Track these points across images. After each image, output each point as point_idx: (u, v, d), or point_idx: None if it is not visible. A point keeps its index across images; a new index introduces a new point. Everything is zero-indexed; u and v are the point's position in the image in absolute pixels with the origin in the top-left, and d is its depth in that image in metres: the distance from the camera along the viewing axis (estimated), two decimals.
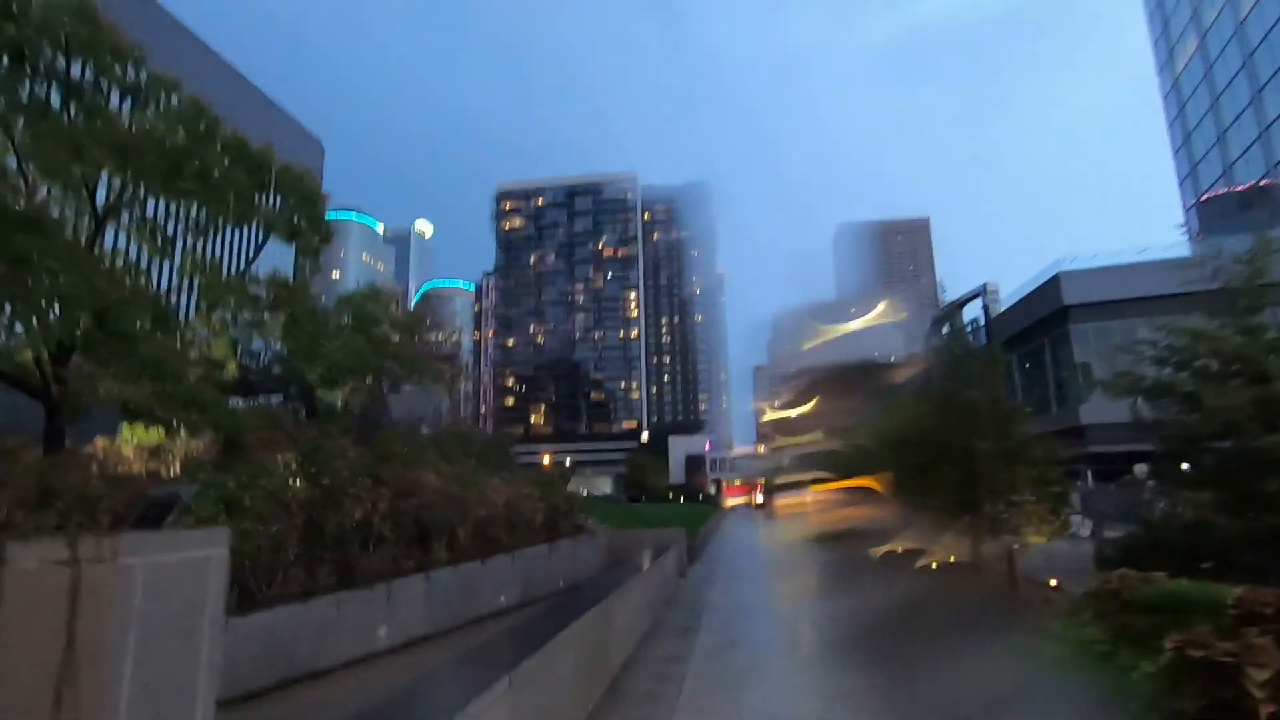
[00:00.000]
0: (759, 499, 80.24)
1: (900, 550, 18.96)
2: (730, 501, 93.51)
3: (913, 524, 17.72)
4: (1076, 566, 13.34)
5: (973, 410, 13.56)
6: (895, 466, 17.27)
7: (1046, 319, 36.91)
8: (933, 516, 14.81)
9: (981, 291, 63.26)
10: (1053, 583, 11.73)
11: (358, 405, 15.30)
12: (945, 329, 21.71)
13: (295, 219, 12.07)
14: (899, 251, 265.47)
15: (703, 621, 10.39)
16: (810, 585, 14.89)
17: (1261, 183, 48.94)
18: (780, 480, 59.63)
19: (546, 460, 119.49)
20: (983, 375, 13.83)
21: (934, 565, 15.65)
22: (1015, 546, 12.70)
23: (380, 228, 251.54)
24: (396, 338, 15.00)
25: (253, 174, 10.87)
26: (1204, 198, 58.10)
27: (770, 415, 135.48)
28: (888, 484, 20.01)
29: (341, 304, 14.11)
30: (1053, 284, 49.52)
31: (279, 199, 11.57)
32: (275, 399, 18.44)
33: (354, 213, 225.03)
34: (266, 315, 11.19)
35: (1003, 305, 65.11)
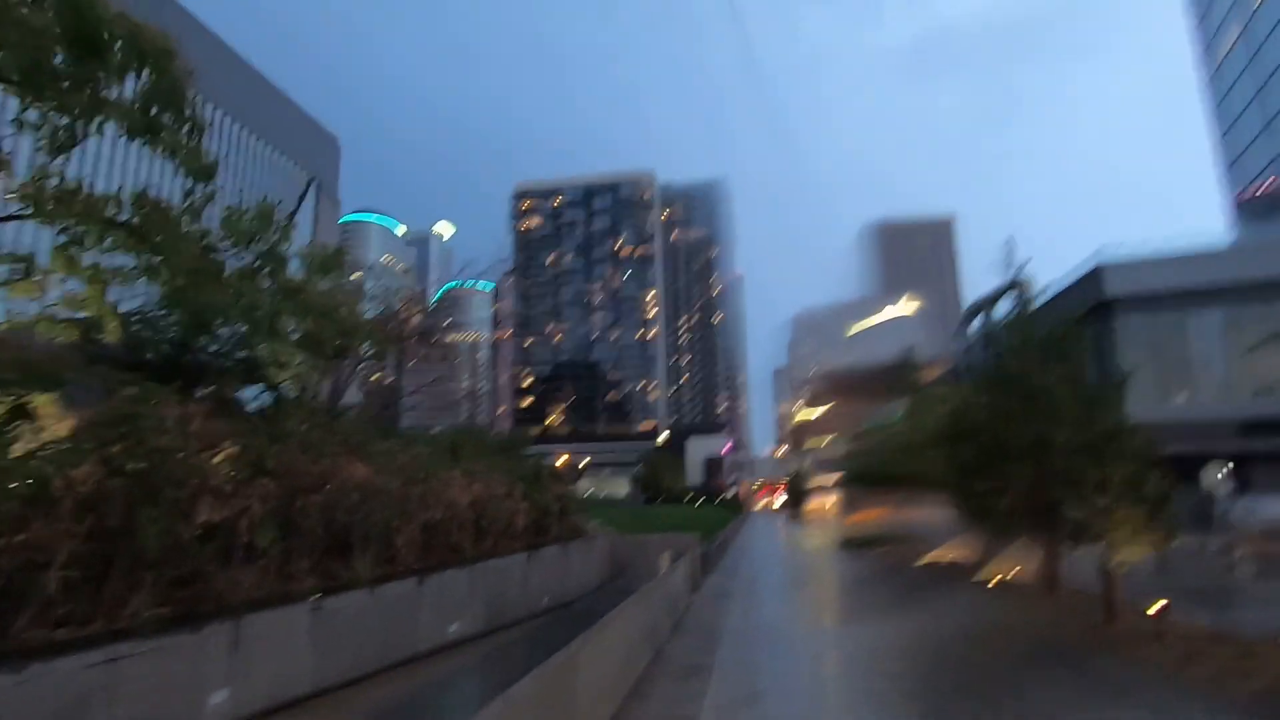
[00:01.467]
0: (782, 502, 77.55)
1: (948, 560, 16.49)
2: (758, 504, 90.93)
3: (960, 529, 15.27)
4: (1177, 585, 10.83)
5: (1046, 394, 11.12)
6: (942, 464, 14.83)
7: (1087, 313, 34.19)
8: (991, 522, 12.34)
9: (1012, 286, 60.34)
10: (1153, 610, 9.25)
11: (316, 388, 13.18)
12: (983, 316, 19.21)
13: (149, 105, 8.11)
14: (922, 251, 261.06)
15: (716, 657, 8.14)
16: (846, 604, 12.49)
17: None
18: (807, 483, 56.93)
19: (562, 460, 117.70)
20: (1059, 352, 11.37)
21: (994, 581, 13.20)
22: (1113, 564, 10.25)
23: (400, 229, 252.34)
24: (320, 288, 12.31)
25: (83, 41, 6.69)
26: (1252, 193, 54.75)
27: (798, 417, 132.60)
28: (931, 484, 17.57)
29: (225, 227, 11.02)
30: (1094, 276, 46.60)
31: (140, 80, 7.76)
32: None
33: (374, 214, 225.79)
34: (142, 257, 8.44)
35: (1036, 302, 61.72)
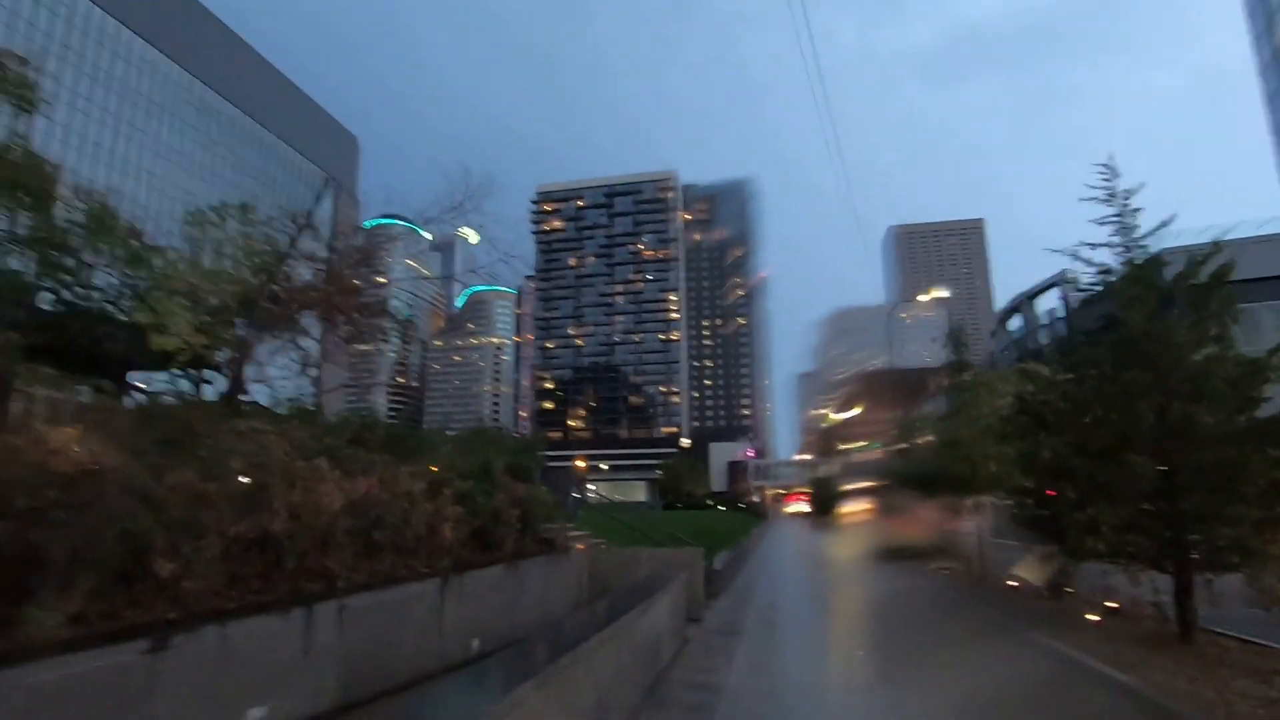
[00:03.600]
0: (808, 508, 73.85)
1: (1021, 582, 13.22)
2: (788, 509, 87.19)
3: (1032, 543, 12.05)
4: None
5: (1184, 361, 7.94)
6: (1006, 463, 11.61)
7: (1094, 330, 30.63)
8: (1079, 538, 9.03)
9: (1059, 279, 56.06)
10: None
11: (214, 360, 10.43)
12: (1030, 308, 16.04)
13: None
14: (952, 254, 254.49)
15: None
16: (899, 648, 9.28)
17: None
18: (835, 488, 53.30)
19: (580, 465, 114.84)
20: (1205, 306, 8.11)
21: (1096, 617, 9.95)
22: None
23: (428, 235, 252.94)
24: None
25: None
26: None
27: (828, 420, 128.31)
28: (986, 487, 14.29)
29: None
30: (1153, 264, 42.62)
31: None
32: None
33: (399, 220, 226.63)
34: None
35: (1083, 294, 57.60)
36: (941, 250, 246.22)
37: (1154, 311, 8.47)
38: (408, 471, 7.68)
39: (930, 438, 17.91)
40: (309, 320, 13.32)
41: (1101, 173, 9.28)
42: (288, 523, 5.42)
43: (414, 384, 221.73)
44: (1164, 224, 9.03)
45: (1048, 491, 9.50)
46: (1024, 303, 60.48)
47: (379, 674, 5.67)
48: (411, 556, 7.28)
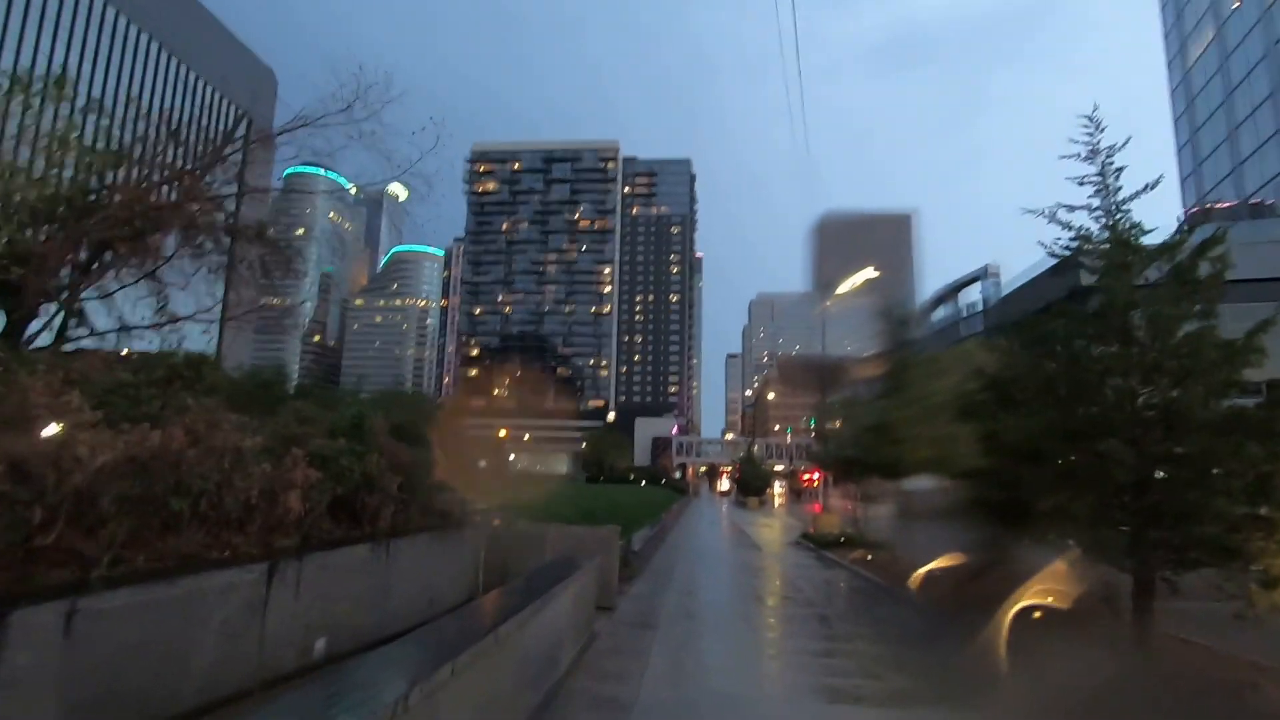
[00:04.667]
0: (730, 487, 74.32)
1: (946, 570, 12.52)
2: (705, 488, 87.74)
3: (972, 534, 11.32)
4: None
5: (1168, 340, 7.06)
6: (956, 446, 10.76)
7: (1061, 300, 31.32)
8: (1043, 528, 8.17)
9: (983, 274, 57.58)
10: None
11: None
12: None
13: None
14: (881, 245, 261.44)
15: None
16: (833, 649, 8.20)
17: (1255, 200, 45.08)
18: (758, 470, 53.38)
19: (502, 434, 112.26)
20: (1190, 282, 7.19)
21: (1030, 608, 9.17)
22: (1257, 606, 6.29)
23: (351, 188, 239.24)
24: None
25: None
26: (1198, 208, 53.70)
27: (753, 402, 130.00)
28: (922, 470, 13.54)
29: None
30: (1071, 261, 44.03)
31: None
32: None
33: (322, 169, 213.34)
34: None
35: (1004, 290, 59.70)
36: (871, 240, 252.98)
37: (1134, 281, 7.55)
38: (234, 423, 5.90)
39: (856, 421, 17.16)
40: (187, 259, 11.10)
41: (1084, 127, 8.27)
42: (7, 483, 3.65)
43: (331, 344, 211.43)
44: (1149, 186, 8.12)
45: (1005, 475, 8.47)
46: (949, 294, 62.10)
47: (140, 702, 3.98)
48: (237, 531, 5.55)
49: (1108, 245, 7.86)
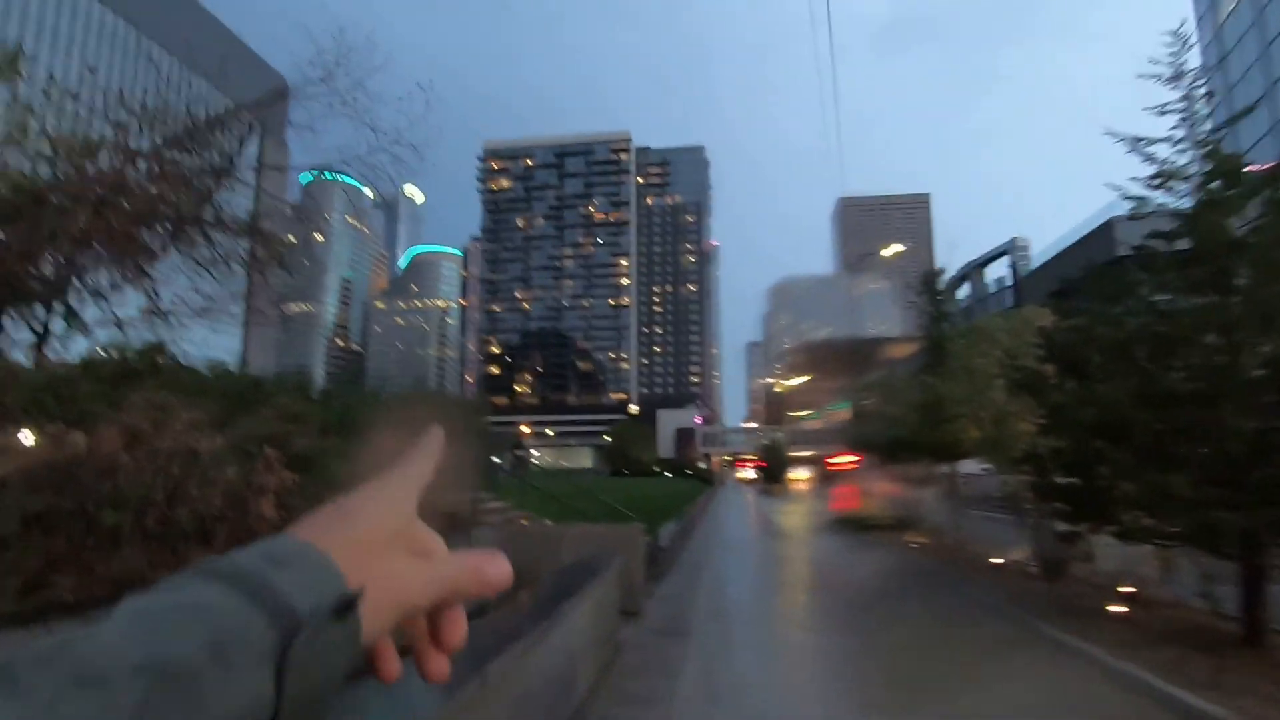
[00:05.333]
0: (756, 475, 73.24)
1: (1009, 561, 11.49)
2: (731, 477, 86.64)
3: (1032, 512, 10.28)
4: None
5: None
6: (1018, 426, 9.67)
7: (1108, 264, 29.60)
8: (1142, 508, 7.04)
9: (1010, 248, 55.61)
10: None
11: None
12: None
13: None
14: (898, 227, 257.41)
15: None
16: (896, 657, 7.16)
17: None
18: (784, 456, 52.24)
19: (525, 431, 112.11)
20: None
21: (1123, 608, 8.13)
22: None
23: (369, 192, 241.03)
24: None
25: None
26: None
27: (776, 389, 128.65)
28: (961, 453, 12.47)
29: None
30: (1104, 230, 42.08)
31: None
32: None
33: (339, 174, 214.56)
34: None
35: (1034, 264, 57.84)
36: (889, 223, 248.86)
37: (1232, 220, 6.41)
38: (186, 420, 5.09)
39: (897, 400, 16.09)
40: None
41: (1168, 45, 7.14)
42: None
43: (355, 347, 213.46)
44: (1248, 110, 6.99)
45: (1089, 454, 7.32)
46: (973, 271, 60.12)
47: None
48: (201, 546, 4.76)
49: (1198, 176, 6.72)
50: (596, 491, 17.93)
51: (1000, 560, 11.55)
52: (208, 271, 11.05)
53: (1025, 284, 47.11)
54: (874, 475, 19.66)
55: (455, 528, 8.58)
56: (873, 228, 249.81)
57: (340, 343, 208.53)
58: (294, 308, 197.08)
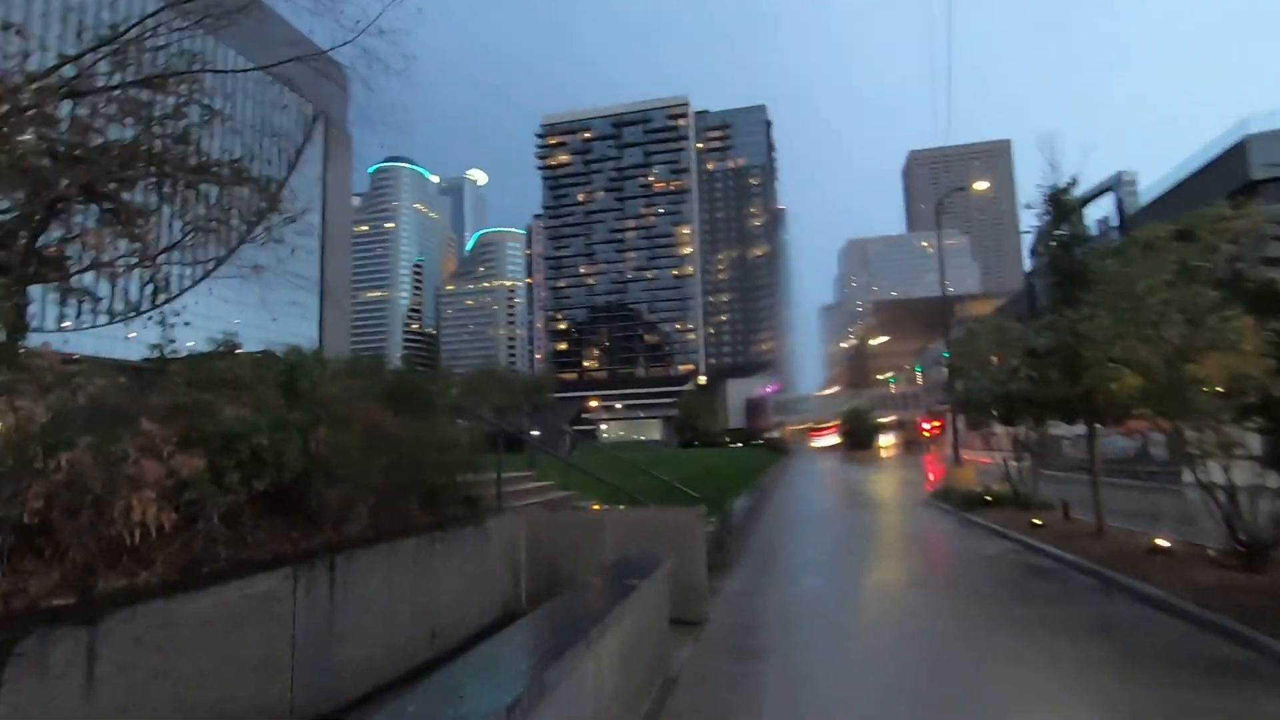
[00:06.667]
0: (835, 442, 70.04)
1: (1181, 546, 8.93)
2: (816, 444, 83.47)
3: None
4: None
5: None
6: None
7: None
8: None
9: (1115, 184, 49.70)
10: None
11: None
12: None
13: None
14: (976, 179, 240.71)
15: None
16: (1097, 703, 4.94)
17: None
18: (864, 422, 49.10)
19: (593, 404, 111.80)
20: None
21: None
22: None
23: (435, 178, 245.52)
24: None
25: None
26: None
27: (852, 351, 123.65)
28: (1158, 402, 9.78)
29: None
30: (1236, 153, 36.41)
31: None
32: None
33: (406, 163, 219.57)
34: None
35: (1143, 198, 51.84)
36: (966, 175, 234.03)
37: None
38: None
39: (1010, 348, 13.39)
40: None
41: None
42: None
43: (429, 330, 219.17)
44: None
45: None
46: (1073, 209, 54.37)
47: None
48: (37, 566, 3.11)
49: None
50: (654, 467, 16.03)
51: (1165, 543, 8.98)
52: (202, 230, 9.47)
53: (1134, 223, 41.88)
54: (978, 440, 16.95)
55: (471, 518, 6.85)
56: (947, 182, 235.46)
57: (415, 326, 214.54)
58: (370, 294, 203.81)
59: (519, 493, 9.47)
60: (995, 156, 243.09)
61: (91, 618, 2.97)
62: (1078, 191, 11.49)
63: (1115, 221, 47.01)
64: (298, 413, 5.16)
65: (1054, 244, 11.34)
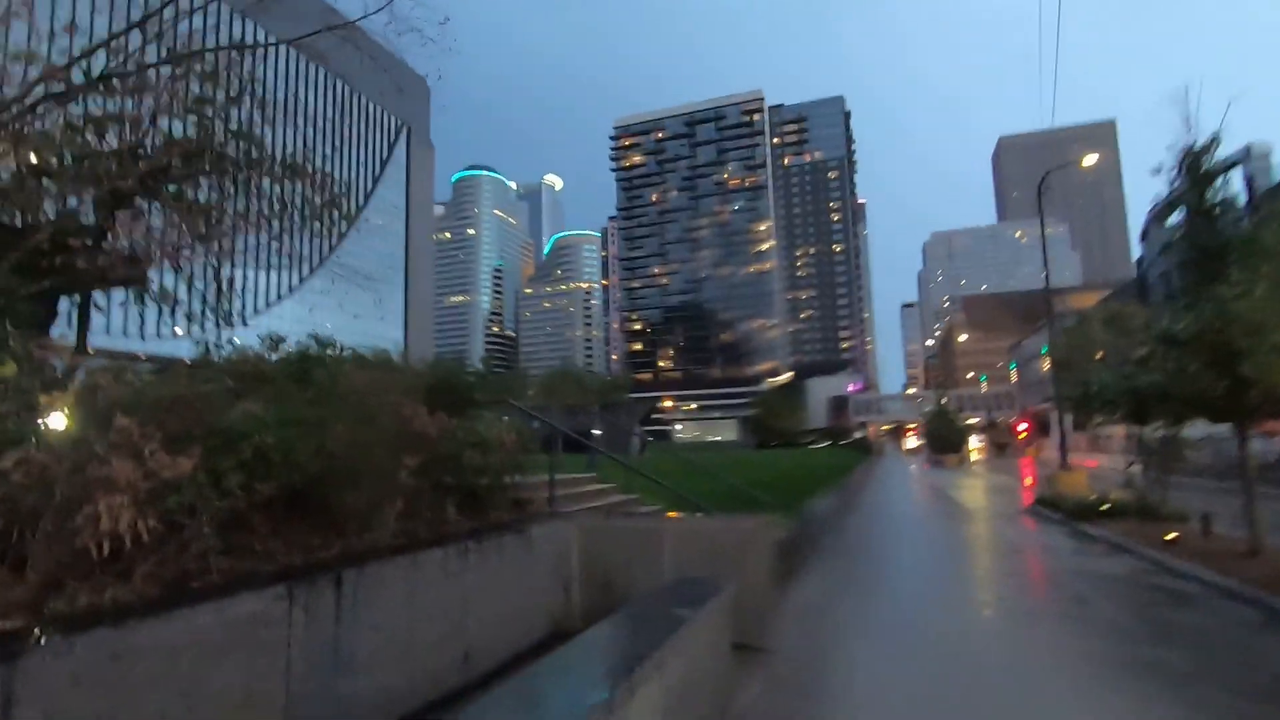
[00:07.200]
0: (918, 444, 66.65)
1: None
2: (889, 447, 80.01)
3: None
4: None
5: None
6: None
7: None
8: None
9: (1244, 156, 44.84)
10: None
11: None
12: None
13: None
14: (1076, 162, 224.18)
15: None
16: None
17: None
18: (952, 423, 46.23)
19: (668, 404, 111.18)
20: None
21: None
22: None
23: (513, 185, 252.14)
24: None
25: None
26: None
27: (939, 349, 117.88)
28: None
29: None
30: None
31: None
32: None
33: (486, 170, 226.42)
34: None
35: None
36: (1064, 159, 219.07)
37: None
38: None
39: (1131, 336, 11.70)
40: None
41: None
42: None
43: (509, 332, 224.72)
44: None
45: None
46: (1190, 191, 49.55)
47: None
48: None
49: None
50: (727, 469, 15.13)
51: None
52: (253, 224, 9.28)
53: (1266, 200, 37.52)
54: (1083, 441, 15.12)
55: (517, 524, 6.24)
56: (1043, 168, 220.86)
57: (496, 329, 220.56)
58: (453, 299, 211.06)
59: (576, 496, 8.84)
60: (1098, 139, 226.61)
61: (12, 653, 2.46)
62: (1220, 155, 9.80)
63: (1245, 198, 42.43)
64: (313, 407, 4.67)
65: (1191, 214, 9.70)
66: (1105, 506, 13.47)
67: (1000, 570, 9.82)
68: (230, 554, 4.00)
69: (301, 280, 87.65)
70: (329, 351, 5.74)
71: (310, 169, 9.03)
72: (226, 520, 4.00)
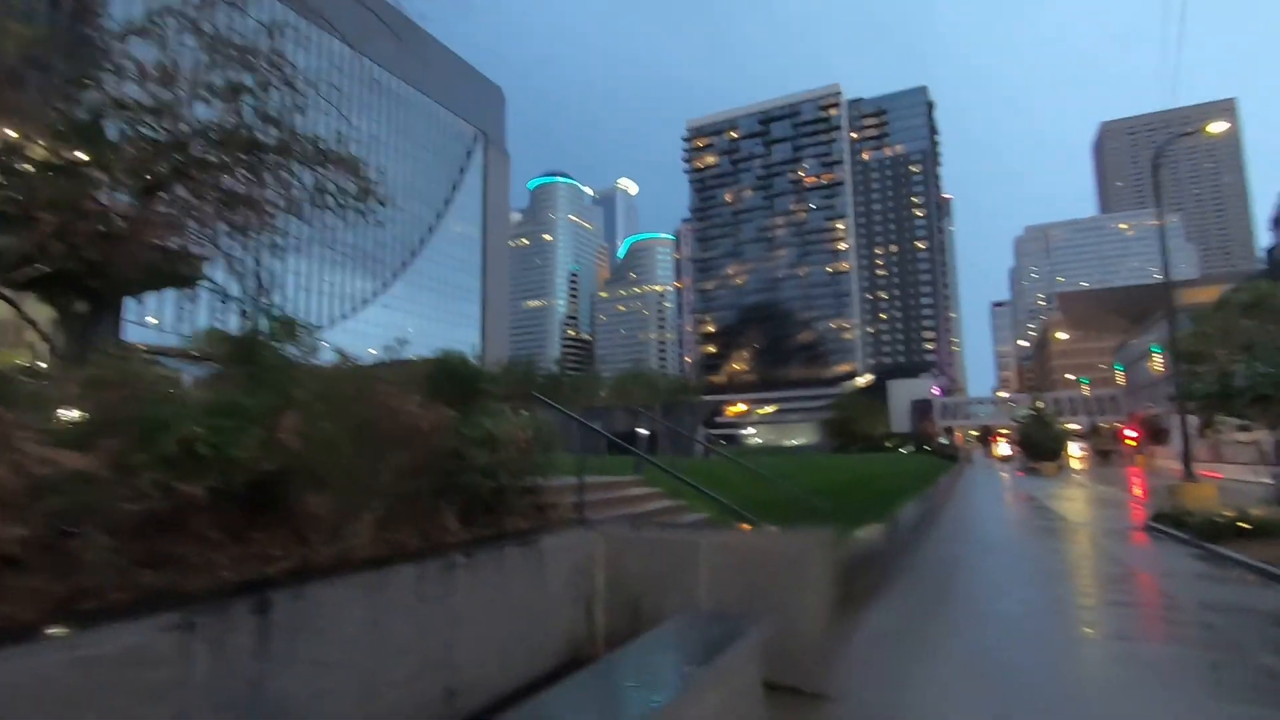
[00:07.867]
0: (1011, 451, 62.33)
1: None
2: (977, 453, 75.33)
3: None
4: None
5: None
6: None
7: None
8: None
9: None
10: None
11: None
12: None
13: None
14: (1190, 146, 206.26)
15: None
16: None
17: None
18: (1049, 429, 42.69)
19: (741, 409, 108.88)
20: None
21: None
22: None
23: (588, 190, 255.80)
24: None
25: None
26: None
27: (1055, 338, 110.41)
28: None
29: None
30: None
31: None
32: None
33: (561, 177, 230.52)
34: None
35: None
36: (1174, 145, 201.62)
37: None
38: None
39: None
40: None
41: None
42: None
43: (585, 336, 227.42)
44: None
45: None
46: None
47: None
48: None
49: None
50: (795, 474, 13.92)
51: None
52: (291, 213, 8.84)
53: None
54: (1204, 449, 13.05)
55: (531, 533, 5.44)
56: (1150, 154, 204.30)
57: (571, 333, 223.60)
58: (530, 303, 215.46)
59: (612, 502, 7.97)
60: (1216, 119, 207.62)
61: None
62: None
63: None
64: (258, 395, 3.97)
65: None
66: (1244, 525, 11.44)
67: (1117, 602, 8.25)
68: (156, 567, 3.33)
69: (385, 286, 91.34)
70: (294, 332, 5.06)
71: (340, 156, 8.50)
72: (145, 526, 3.33)
